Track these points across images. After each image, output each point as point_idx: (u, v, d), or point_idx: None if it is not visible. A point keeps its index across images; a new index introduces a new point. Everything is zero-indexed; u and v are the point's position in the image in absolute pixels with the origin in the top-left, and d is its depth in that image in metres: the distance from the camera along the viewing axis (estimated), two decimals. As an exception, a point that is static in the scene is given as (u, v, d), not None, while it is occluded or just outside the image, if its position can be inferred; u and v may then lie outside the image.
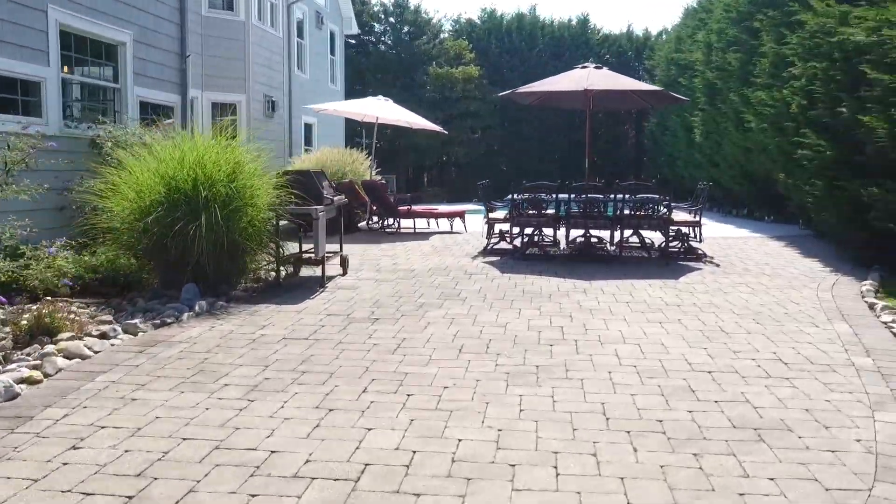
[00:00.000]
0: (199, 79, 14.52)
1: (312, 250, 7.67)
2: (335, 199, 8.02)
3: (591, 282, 7.98)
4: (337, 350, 5.09)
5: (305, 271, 8.28)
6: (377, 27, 28.81)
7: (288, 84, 17.91)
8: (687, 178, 20.56)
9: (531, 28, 28.45)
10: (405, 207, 14.09)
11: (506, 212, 10.43)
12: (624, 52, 28.86)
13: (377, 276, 8.36)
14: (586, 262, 9.51)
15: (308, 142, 20.15)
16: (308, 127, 20.21)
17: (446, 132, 19.59)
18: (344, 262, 8.50)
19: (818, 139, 9.72)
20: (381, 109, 14.26)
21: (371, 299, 6.96)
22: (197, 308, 6.32)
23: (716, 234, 12.61)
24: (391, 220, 13.66)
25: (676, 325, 5.90)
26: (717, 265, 9.30)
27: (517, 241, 10.45)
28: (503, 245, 10.64)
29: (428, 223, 14.45)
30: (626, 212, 9.67)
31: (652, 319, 6.13)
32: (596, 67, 10.66)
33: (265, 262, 7.81)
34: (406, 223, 13.85)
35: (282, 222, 7.75)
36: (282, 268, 7.99)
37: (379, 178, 16.13)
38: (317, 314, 6.28)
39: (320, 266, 7.69)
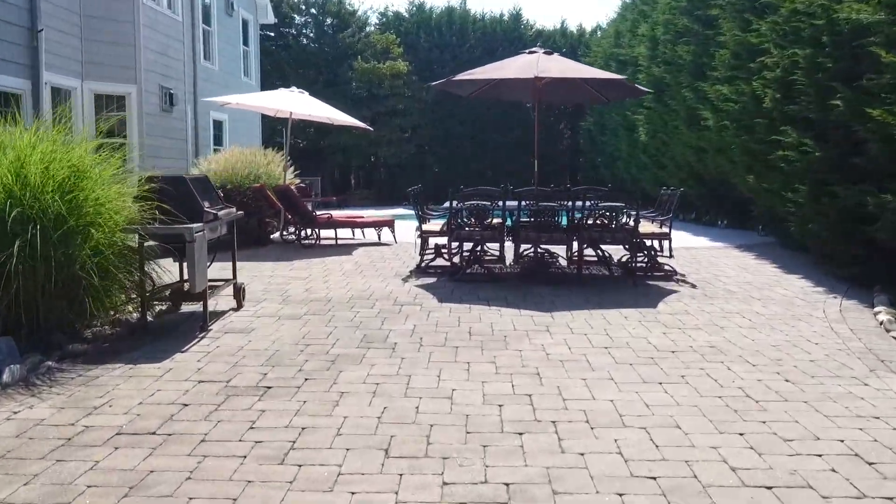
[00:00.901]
0: (78, 66, 12.33)
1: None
2: (221, 213, 6.14)
3: (552, 314, 6.37)
4: (194, 458, 3.29)
5: (191, 305, 6.41)
6: (298, 18, 26.75)
7: (192, 75, 15.75)
8: (629, 181, 19.36)
9: (462, 22, 27.01)
10: (325, 215, 12.25)
11: (443, 221, 8.70)
12: (559, 48, 27.54)
13: (281, 309, 6.54)
14: (540, 283, 7.92)
15: (218, 141, 17.98)
16: (218, 124, 18.05)
17: (371, 129, 17.89)
18: (239, 293, 6.64)
19: (801, 138, 8.41)
20: (295, 103, 12.35)
21: (267, 350, 5.15)
22: (6, 375, 4.39)
23: (674, 243, 11.22)
24: (310, 231, 11.78)
25: (684, 389, 4.32)
26: (694, 286, 7.85)
27: (456, 258, 8.78)
28: (440, 261, 8.95)
29: (353, 232, 12.67)
30: (589, 221, 8.08)
31: (648, 378, 4.53)
32: (546, 53, 9.08)
33: (130, 297, 5.89)
34: (328, 232, 12.01)
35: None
36: (155, 304, 6.11)
37: (298, 180, 14.22)
38: (183, 381, 4.44)
39: (201, 302, 5.82)
